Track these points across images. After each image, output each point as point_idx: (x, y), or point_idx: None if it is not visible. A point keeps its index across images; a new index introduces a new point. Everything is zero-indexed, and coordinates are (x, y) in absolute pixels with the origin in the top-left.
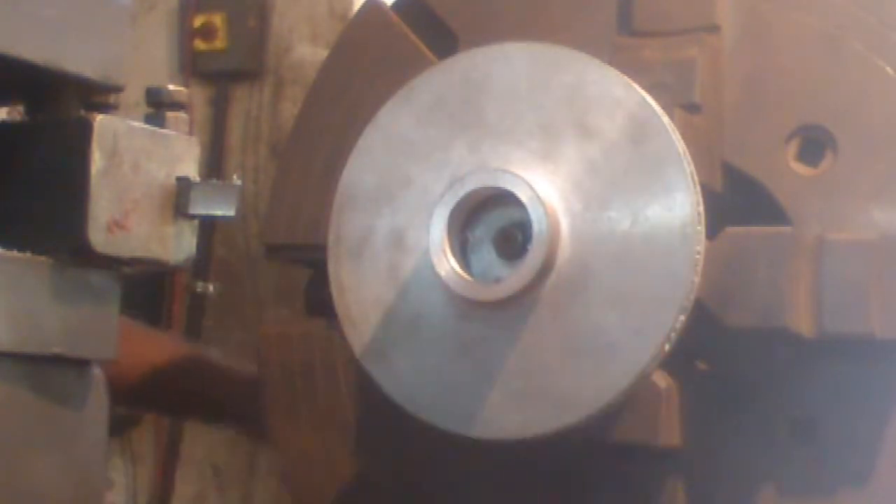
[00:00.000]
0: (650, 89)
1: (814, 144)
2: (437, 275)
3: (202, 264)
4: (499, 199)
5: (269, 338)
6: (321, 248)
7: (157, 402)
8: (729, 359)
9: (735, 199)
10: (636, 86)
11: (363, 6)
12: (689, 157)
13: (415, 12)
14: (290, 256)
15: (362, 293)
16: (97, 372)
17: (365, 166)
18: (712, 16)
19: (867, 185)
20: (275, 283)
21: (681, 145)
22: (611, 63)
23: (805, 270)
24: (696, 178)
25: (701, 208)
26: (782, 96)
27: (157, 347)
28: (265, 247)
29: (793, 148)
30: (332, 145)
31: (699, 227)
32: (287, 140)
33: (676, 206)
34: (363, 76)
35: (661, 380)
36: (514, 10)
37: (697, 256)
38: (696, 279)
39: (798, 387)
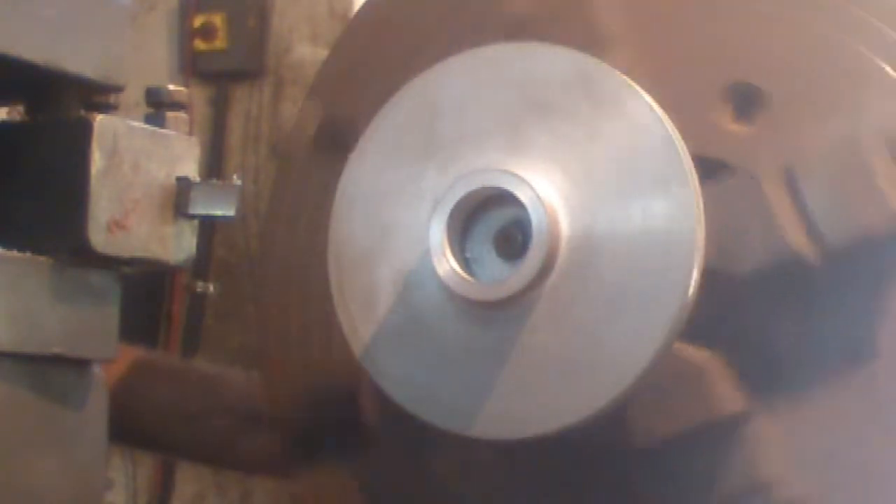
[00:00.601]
0: None
1: (746, 102)
2: (437, 275)
3: (202, 264)
4: (499, 199)
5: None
6: None
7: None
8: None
9: None
10: (633, 83)
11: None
12: (686, 151)
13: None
14: None
15: (362, 294)
16: (97, 372)
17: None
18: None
19: (812, 126)
20: None
21: (678, 139)
22: None
23: (785, 200)
24: (694, 171)
25: (700, 202)
26: (708, 58)
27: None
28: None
29: (725, 109)
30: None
31: (700, 222)
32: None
33: (676, 201)
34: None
35: (695, 354)
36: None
37: (698, 252)
38: (698, 276)
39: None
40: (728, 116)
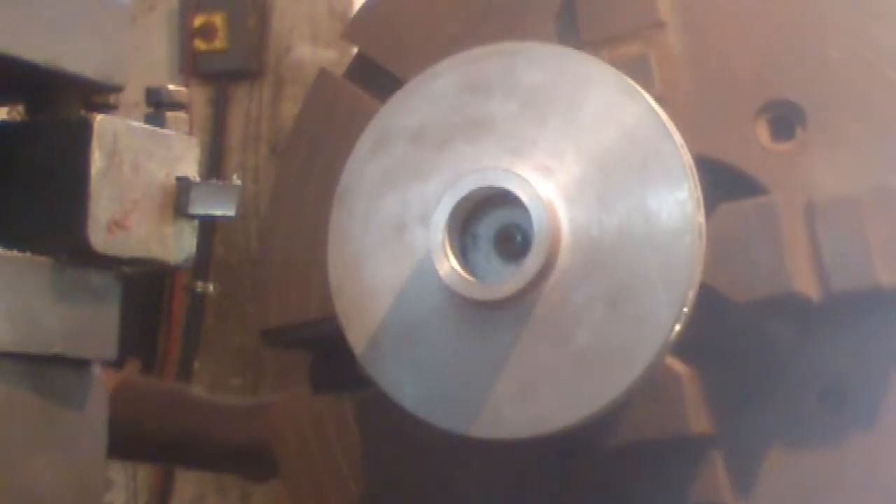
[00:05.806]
0: None
1: (782, 120)
2: (437, 275)
3: (202, 264)
4: (499, 199)
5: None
6: (322, 323)
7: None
8: (742, 338)
9: (715, 192)
10: (631, 81)
11: (316, 79)
12: (686, 150)
13: (365, 73)
14: (289, 338)
15: (363, 294)
16: (97, 372)
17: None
18: (656, 12)
19: (842, 152)
20: None
21: (678, 138)
22: None
23: (801, 235)
24: (693, 170)
25: (701, 201)
26: (740, 78)
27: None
28: (260, 332)
29: (762, 126)
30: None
31: (699, 221)
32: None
33: (676, 200)
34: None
35: (678, 367)
36: (445, 42)
37: (697, 250)
38: (698, 273)
39: (818, 355)
40: (767, 133)
